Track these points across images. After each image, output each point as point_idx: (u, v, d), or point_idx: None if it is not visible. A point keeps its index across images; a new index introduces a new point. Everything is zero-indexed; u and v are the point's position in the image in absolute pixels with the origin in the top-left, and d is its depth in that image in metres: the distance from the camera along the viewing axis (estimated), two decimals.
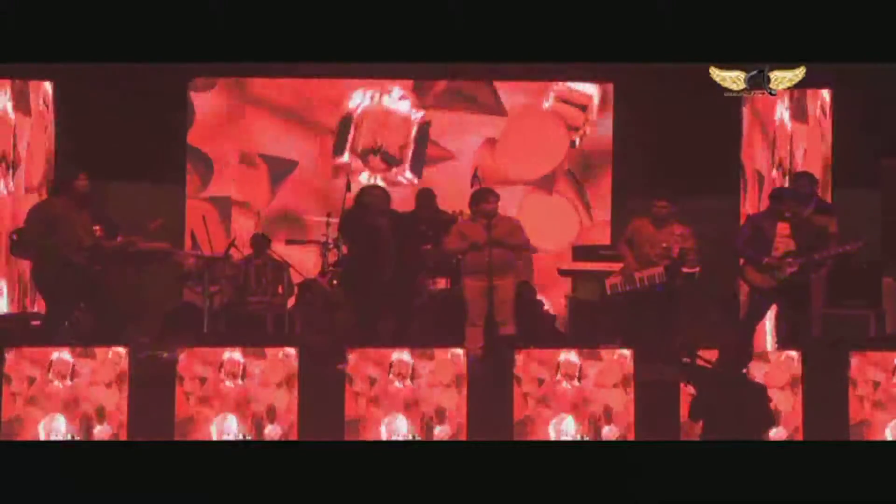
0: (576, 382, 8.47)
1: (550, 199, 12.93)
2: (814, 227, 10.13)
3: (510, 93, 12.93)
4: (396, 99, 12.92)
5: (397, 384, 8.43)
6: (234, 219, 12.85)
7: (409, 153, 12.94)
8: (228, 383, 8.37)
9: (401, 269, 10.43)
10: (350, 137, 12.81)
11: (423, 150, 12.91)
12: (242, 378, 8.38)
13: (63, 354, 8.35)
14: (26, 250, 10.47)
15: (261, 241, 11.78)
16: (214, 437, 8.32)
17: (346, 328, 10.43)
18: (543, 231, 12.39)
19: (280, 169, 12.93)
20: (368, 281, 10.28)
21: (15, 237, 10.75)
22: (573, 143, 12.94)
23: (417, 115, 12.91)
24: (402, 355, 8.47)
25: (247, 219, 12.84)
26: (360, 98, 12.91)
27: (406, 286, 10.60)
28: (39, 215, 9.68)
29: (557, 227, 12.82)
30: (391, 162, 12.91)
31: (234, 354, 8.40)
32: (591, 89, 12.87)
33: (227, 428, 8.37)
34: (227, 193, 12.91)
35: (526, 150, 12.88)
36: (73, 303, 9.80)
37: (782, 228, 10.07)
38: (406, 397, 8.42)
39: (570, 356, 8.52)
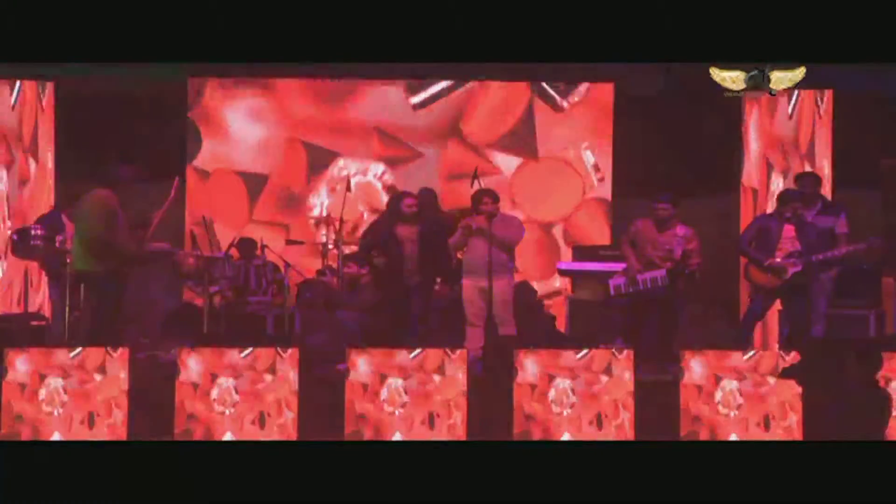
0: (576, 382, 8.47)
1: (549, 163, 12.92)
2: (818, 228, 10.12)
3: None
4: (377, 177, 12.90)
5: (397, 384, 8.43)
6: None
7: None
8: (227, 382, 8.37)
9: (424, 275, 10.46)
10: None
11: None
12: (241, 377, 8.38)
13: (62, 355, 8.34)
14: (29, 250, 10.48)
15: (248, 245, 11.76)
16: (214, 438, 8.32)
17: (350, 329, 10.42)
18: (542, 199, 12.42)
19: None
20: (395, 288, 10.32)
21: (16, 237, 10.75)
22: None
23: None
24: (403, 356, 8.47)
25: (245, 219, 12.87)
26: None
27: (427, 291, 10.61)
28: (99, 210, 9.31)
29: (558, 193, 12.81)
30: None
31: (233, 354, 8.40)
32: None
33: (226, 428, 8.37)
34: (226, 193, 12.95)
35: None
36: (118, 301, 9.58)
37: (788, 230, 10.07)
38: (406, 397, 8.42)
39: (569, 356, 8.52)
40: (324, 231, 11.95)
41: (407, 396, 8.41)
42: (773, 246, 10.04)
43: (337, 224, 11.58)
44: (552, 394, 8.46)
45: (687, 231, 10.22)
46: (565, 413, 8.44)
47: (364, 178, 12.82)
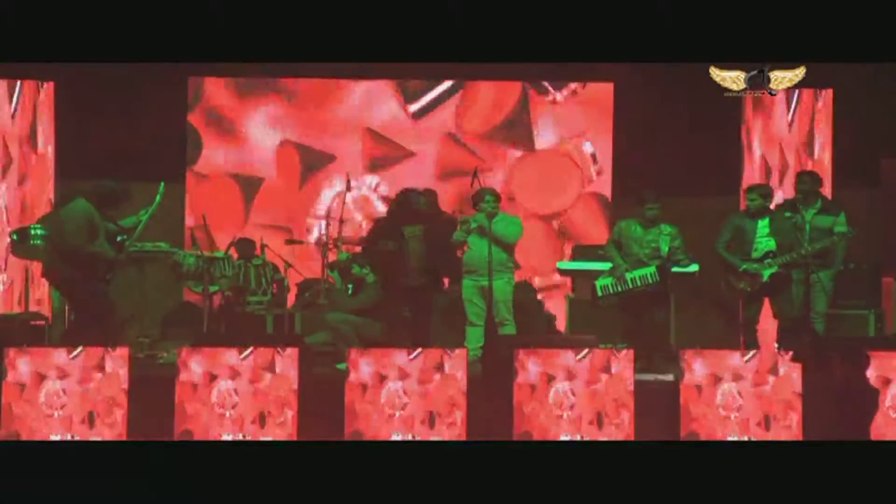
0: (575, 382, 8.47)
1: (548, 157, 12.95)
2: (817, 227, 10.12)
3: None
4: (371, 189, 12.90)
5: (397, 384, 8.42)
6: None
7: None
8: (227, 383, 8.37)
9: (427, 273, 10.40)
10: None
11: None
12: (241, 377, 8.37)
13: (62, 355, 8.34)
14: (29, 250, 10.47)
15: (246, 246, 11.76)
16: (214, 438, 8.31)
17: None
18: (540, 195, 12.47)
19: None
20: (398, 288, 10.26)
21: (15, 237, 10.75)
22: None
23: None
24: (402, 356, 8.47)
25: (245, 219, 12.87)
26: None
27: (430, 290, 10.55)
28: (81, 221, 9.36)
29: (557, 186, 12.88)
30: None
31: (233, 354, 8.40)
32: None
33: (225, 428, 8.37)
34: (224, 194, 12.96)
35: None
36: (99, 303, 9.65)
37: (761, 227, 10.07)
38: (405, 398, 8.41)
39: (569, 356, 8.52)
40: (324, 231, 11.93)
41: (407, 396, 8.41)
42: (750, 245, 10.04)
43: (337, 224, 11.58)
44: (552, 394, 8.46)
45: (672, 229, 10.21)
46: (565, 413, 8.44)
47: (359, 192, 12.83)
